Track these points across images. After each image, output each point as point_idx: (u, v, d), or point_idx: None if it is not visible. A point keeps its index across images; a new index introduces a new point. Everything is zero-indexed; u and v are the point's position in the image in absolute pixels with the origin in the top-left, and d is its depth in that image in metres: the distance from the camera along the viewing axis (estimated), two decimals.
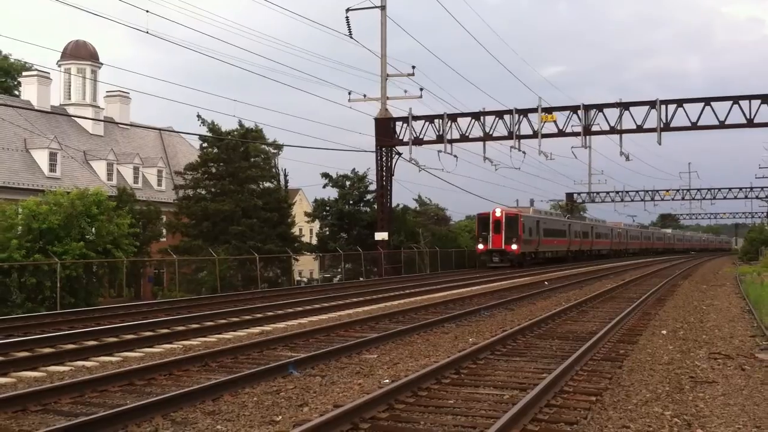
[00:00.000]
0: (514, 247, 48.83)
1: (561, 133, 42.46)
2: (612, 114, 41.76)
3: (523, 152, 44.75)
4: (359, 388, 10.02)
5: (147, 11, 25.57)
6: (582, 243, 69.33)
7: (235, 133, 42.56)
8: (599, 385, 10.26)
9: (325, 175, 50.31)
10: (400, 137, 44.91)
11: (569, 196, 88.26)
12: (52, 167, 43.23)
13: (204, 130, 42.55)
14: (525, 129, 42.80)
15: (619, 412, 8.83)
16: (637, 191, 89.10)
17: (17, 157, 42.27)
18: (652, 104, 40.69)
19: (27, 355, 12.47)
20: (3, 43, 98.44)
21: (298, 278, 49.75)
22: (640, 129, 41.15)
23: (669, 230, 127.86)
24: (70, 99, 51.96)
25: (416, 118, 44.36)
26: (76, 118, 49.94)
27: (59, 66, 51.01)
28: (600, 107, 42.25)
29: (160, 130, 55.37)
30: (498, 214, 49.37)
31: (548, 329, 16.56)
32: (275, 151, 45.56)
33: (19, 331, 14.83)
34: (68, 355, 12.59)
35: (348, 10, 43.07)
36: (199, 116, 42.15)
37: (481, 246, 50.08)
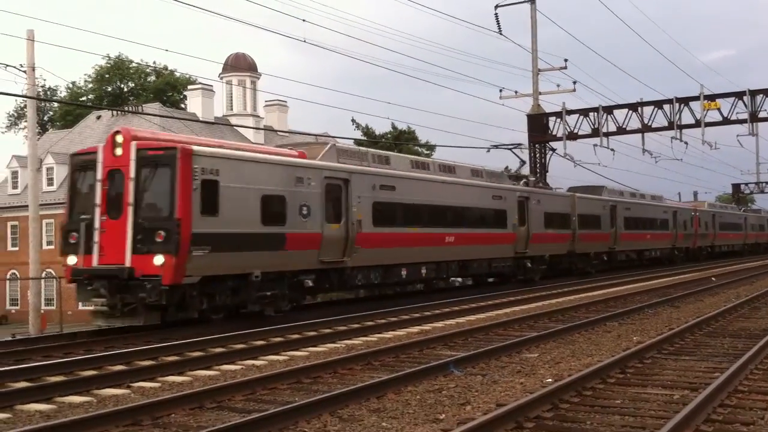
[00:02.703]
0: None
1: (726, 121, 40.34)
2: None
3: (685, 143, 42.81)
4: (521, 388, 9.93)
5: (303, 20, 26.38)
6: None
7: (389, 135, 43.25)
8: None
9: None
10: (554, 132, 44.06)
11: (736, 186, 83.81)
12: None
13: (358, 134, 43.49)
14: (686, 118, 40.94)
15: None
16: None
17: None
18: None
19: (201, 355, 13.13)
20: (169, 58, 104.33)
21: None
22: None
23: None
24: (232, 110, 54.38)
25: (570, 112, 43.40)
26: (238, 128, 52.21)
27: (221, 78, 53.48)
28: None
29: (316, 135, 56.88)
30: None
31: (718, 327, 15.83)
32: (428, 151, 45.92)
33: (192, 332, 15.63)
34: (238, 354, 13.18)
35: (497, 6, 42.77)
36: (353, 120, 43.14)
37: None
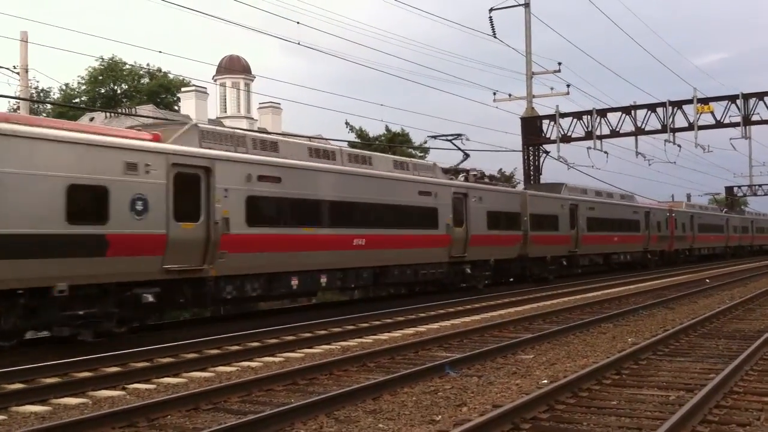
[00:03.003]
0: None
1: (719, 125, 40.47)
2: None
3: (678, 145, 42.97)
4: (517, 389, 9.95)
5: (298, 23, 26.30)
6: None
7: (383, 138, 43.23)
8: None
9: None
10: (547, 135, 44.14)
11: (729, 189, 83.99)
12: None
13: (352, 137, 43.47)
14: (679, 121, 41.07)
15: None
16: None
17: None
18: None
19: (195, 356, 13.12)
20: (163, 60, 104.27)
21: None
22: None
23: None
24: (226, 112, 54.34)
25: (563, 115, 43.48)
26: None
27: (215, 80, 53.42)
28: (761, 95, 39.95)
29: (310, 137, 56.91)
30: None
31: (713, 328, 15.88)
32: (421, 153, 45.93)
33: (186, 333, 15.59)
34: (233, 356, 13.16)
35: (491, 9, 42.81)
36: (347, 123, 43.11)
37: None
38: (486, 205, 25.83)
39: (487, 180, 29.43)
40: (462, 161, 27.86)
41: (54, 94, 59.92)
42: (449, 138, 27.92)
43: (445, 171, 25.78)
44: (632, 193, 44.00)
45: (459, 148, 27.92)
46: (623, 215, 39.28)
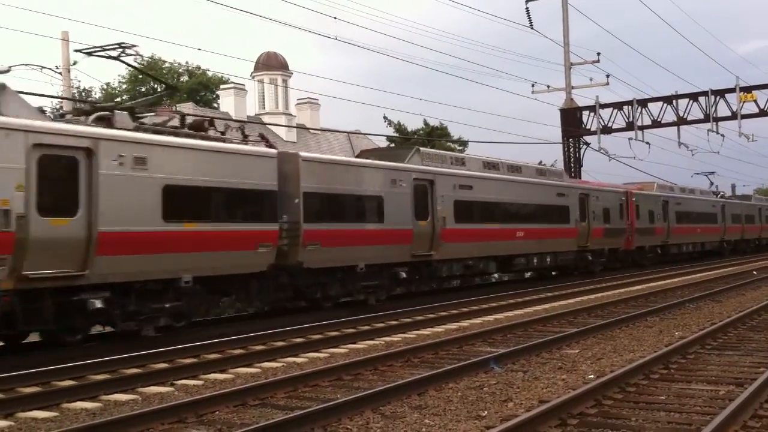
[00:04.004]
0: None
1: (762, 113, 39.80)
2: None
3: (722, 135, 42.30)
4: (563, 384, 9.88)
5: (335, 18, 26.51)
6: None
7: (421, 131, 43.16)
8: None
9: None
10: (588, 126, 43.71)
11: None
12: None
13: (390, 131, 43.46)
14: (722, 110, 40.47)
15: None
16: None
17: None
18: None
19: (242, 353, 13.23)
20: (201, 57, 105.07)
21: None
22: None
23: None
24: (264, 108, 54.54)
25: (603, 105, 43.02)
26: (270, 127, 52.42)
27: (253, 77, 53.68)
28: None
29: (348, 133, 57.08)
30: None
31: (762, 321, 15.62)
32: (460, 147, 45.80)
33: (233, 329, 15.74)
34: (279, 352, 13.24)
35: (527, 1, 42.48)
36: (385, 117, 43.11)
37: None
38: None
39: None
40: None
41: (95, 94, 60.77)
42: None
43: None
44: (561, 169, 32.75)
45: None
46: (531, 199, 26.59)
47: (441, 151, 26.13)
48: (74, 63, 26.20)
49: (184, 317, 15.02)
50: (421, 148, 22.99)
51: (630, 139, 42.26)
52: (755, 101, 39.76)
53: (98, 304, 13.05)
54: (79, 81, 63.41)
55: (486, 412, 8.50)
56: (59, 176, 12.65)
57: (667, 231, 38.06)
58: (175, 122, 16.39)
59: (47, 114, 14.83)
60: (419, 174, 20.78)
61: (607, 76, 43.15)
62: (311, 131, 54.86)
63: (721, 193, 49.76)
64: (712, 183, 50.96)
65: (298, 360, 12.60)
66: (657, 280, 28.37)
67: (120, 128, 13.83)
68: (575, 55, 44.12)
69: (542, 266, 28.38)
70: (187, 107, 47.57)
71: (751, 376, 9.87)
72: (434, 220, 21.08)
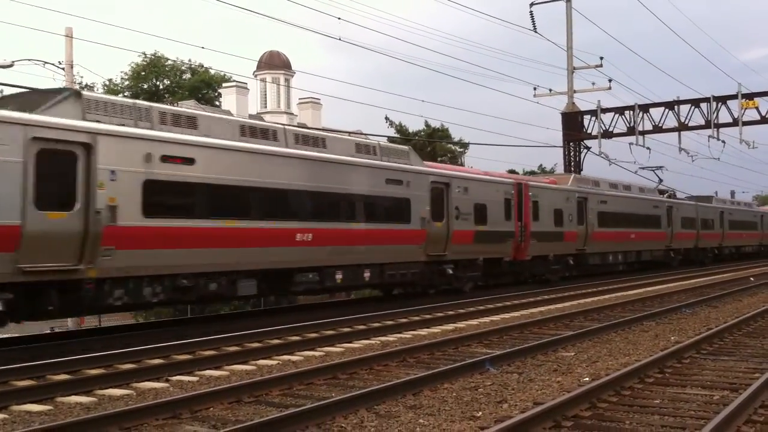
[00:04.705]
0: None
1: (764, 120, 39.86)
2: None
3: (723, 141, 42.33)
4: (558, 386, 9.89)
5: (339, 18, 26.61)
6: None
7: (422, 133, 43.16)
8: None
9: (512, 172, 50.02)
10: (589, 131, 43.76)
11: None
12: None
13: (392, 132, 43.48)
14: (724, 117, 40.51)
15: None
16: None
17: None
18: None
19: (237, 350, 13.24)
20: (204, 55, 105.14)
21: None
22: None
23: None
24: (266, 107, 54.64)
25: (605, 110, 43.07)
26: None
27: (255, 76, 53.75)
28: None
29: (349, 133, 57.07)
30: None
31: (758, 327, 15.63)
32: (461, 149, 45.83)
33: (229, 327, 15.75)
34: (274, 349, 13.25)
35: (532, 4, 42.55)
36: (387, 118, 43.11)
37: None
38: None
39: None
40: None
41: (98, 89, 60.79)
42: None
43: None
44: (406, 149, 22.51)
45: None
46: (358, 188, 19.36)
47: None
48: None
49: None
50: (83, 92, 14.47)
51: (631, 144, 42.32)
52: (757, 108, 39.83)
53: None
54: (82, 77, 63.38)
55: (480, 413, 8.50)
56: None
57: (584, 236, 30.00)
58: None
59: None
60: None
61: (610, 80, 43.26)
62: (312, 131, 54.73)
63: (670, 192, 42.13)
64: (660, 180, 42.72)
65: (294, 358, 12.60)
66: (651, 285, 28.32)
67: None
68: (578, 59, 44.26)
69: (355, 284, 20.50)
70: (189, 105, 47.63)
71: (746, 381, 9.87)
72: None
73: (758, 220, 54.88)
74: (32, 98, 13.89)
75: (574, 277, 29.50)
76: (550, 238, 27.82)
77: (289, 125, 22.00)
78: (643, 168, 42.40)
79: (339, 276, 18.65)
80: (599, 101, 43.29)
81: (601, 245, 31.79)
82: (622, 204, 33.94)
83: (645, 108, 42.53)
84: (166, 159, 14.42)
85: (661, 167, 43.18)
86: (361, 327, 16.27)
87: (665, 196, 40.51)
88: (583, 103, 44.81)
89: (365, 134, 55.07)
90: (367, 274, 19.49)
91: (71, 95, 13.81)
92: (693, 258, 42.90)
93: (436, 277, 22.37)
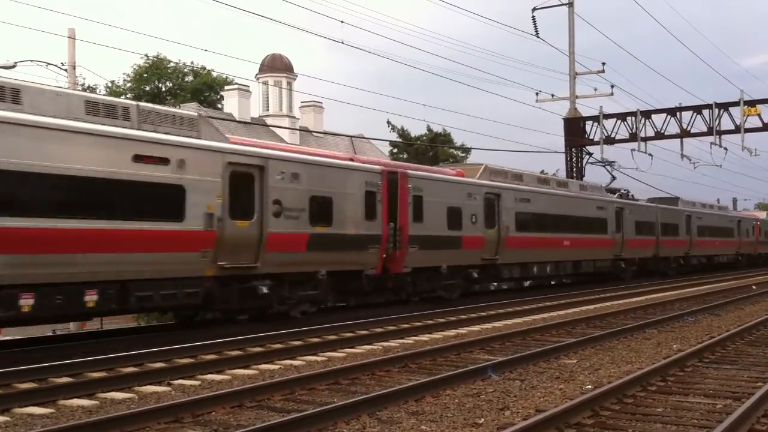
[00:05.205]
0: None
1: (766, 127, 39.86)
2: None
3: (725, 148, 42.31)
4: (561, 393, 9.88)
5: (342, 22, 26.66)
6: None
7: (424, 137, 43.18)
8: None
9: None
10: (591, 136, 43.75)
11: None
12: None
13: (394, 136, 43.50)
14: (726, 124, 40.52)
15: None
16: None
17: None
18: None
19: (239, 354, 13.22)
20: (206, 58, 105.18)
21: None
22: None
23: None
24: (268, 110, 54.61)
25: (607, 116, 43.08)
26: (274, 128, 52.47)
27: (257, 79, 53.76)
28: None
29: (351, 137, 57.13)
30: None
31: (760, 336, 15.61)
32: (463, 154, 45.83)
33: (231, 331, 15.72)
34: (276, 354, 13.24)
35: (534, 9, 42.57)
36: (389, 122, 43.19)
37: None
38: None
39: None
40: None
41: (100, 91, 60.87)
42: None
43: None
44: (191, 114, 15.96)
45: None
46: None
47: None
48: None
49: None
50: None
51: (633, 150, 42.31)
52: (759, 115, 39.82)
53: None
54: (84, 78, 63.48)
55: (482, 420, 8.49)
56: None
57: (495, 242, 23.86)
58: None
59: None
60: None
61: (612, 86, 43.30)
62: (314, 134, 54.85)
63: (622, 191, 36.30)
64: (613, 177, 38.01)
65: (296, 363, 12.59)
66: (653, 292, 28.24)
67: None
68: (580, 64, 44.25)
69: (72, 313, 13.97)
70: (192, 107, 47.69)
71: (749, 390, 9.86)
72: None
73: (735, 226, 48.61)
74: None
75: (482, 294, 24.77)
76: (441, 245, 21.45)
77: None
78: (592, 163, 38.29)
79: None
80: (601, 107, 43.34)
81: (520, 254, 25.29)
82: (552, 203, 27.38)
83: (647, 114, 42.56)
84: None
85: (612, 162, 38.82)
86: (364, 332, 16.26)
87: (616, 195, 34.59)
88: (586, 108, 44.87)
89: (367, 138, 55.07)
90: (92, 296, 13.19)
91: None
92: (652, 269, 37.48)
93: (236, 299, 16.15)
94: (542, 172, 31.32)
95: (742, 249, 48.99)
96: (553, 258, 27.69)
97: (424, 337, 15.76)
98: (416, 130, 45.68)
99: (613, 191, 34.96)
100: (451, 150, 44.79)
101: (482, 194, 23.52)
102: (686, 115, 41.31)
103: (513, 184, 25.50)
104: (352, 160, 19.88)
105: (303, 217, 17.11)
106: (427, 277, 21.39)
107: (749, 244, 51.04)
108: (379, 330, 16.61)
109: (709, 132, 40.82)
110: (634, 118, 42.42)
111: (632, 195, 37.47)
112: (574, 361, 12.49)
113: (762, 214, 59.32)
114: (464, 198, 22.65)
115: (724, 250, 46.86)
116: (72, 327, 24.68)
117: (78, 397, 9.76)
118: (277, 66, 54.40)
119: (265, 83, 54.01)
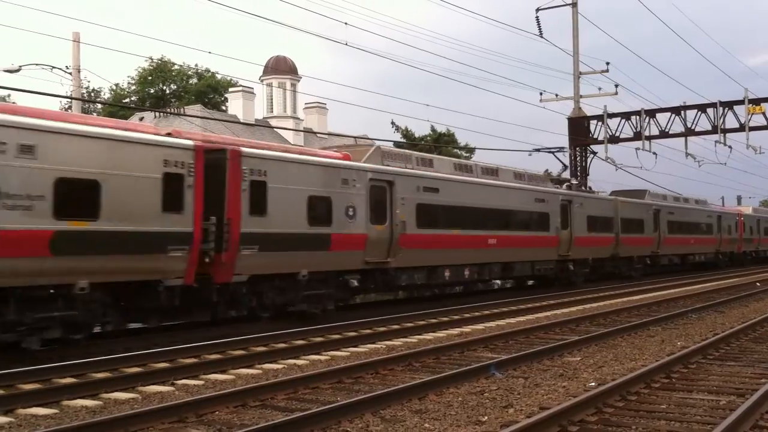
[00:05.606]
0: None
1: None
2: None
3: (729, 147, 42.23)
4: (564, 391, 9.86)
5: (346, 23, 26.68)
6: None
7: (428, 138, 43.17)
8: None
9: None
10: (595, 136, 43.65)
11: None
12: None
13: (398, 136, 43.49)
14: (730, 122, 40.40)
15: None
16: None
17: None
18: None
19: (243, 354, 13.24)
20: (210, 60, 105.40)
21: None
22: None
23: None
24: (272, 112, 54.70)
25: (611, 115, 42.98)
26: (278, 130, 52.53)
27: (261, 81, 53.82)
28: None
29: (355, 138, 57.06)
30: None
31: (764, 333, 15.58)
32: (467, 154, 45.79)
33: (235, 331, 15.74)
34: (280, 353, 13.26)
35: (538, 9, 42.48)
36: (393, 123, 43.11)
37: None
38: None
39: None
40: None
41: (104, 94, 60.96)
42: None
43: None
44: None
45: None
46: None
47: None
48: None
49: None
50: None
51: (637, 149, 42.23)
52: (763, 114, 39.70)
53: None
54: (89, 81, 63.60)
55: (486, 418, 8.49)
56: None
57: (386, 242, 19.19)
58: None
59: None
60: None
61: (616, 85, 43.12)
62: (318, 135, 54.84)
63: (571, 182, 31.97)
64: (565, 166, 33.09)
65: (299, 362, 12.60)
66: (657, 290, 28.14)
67: None
68: (584, 64, 44.13)
69: None
70: (196, 110, 47.77)
71: (753, 386, 9.84)
72: None
73: (714, 222, 43.95)
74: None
75: (360, 307, 20.76)
76: (298, 245, 16.73)
77: None
78: (537, 150, 32.72)
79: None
80: (605, 106, 43.21)
81: (423, 256, 20.70)
82: (472, 194, 22.77)
83: (651, 113, 42.46)
84: None
85: (562, 148, 33.80)
86: (367, 331, 16.26)
87: (563, 187, 29.91)
88: (590, 108, 44.77)
89: (371, 138, 55.05)
90: None
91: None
92: (611, 271, 32.83)
93: None
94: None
95: (722, 247, 44.65)
96: (474, 260, 22.89)
97: (428, 336, 15.76)
98: (420, 130, 45.71)
99: (561, 182, 30.21)
100: (455, 150, 44.74)
101: (365, 181, 18.59)
102: (691, 114, 41.21)
103: (414, 171, 20.60)
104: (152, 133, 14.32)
105: (42, 208, 11.90)
106: (278, 287, 16.49)
107: (731, 242, 46.40)
108: (382, 329, 16.61)
109: (714, 130, 40.71)
110: (638, 117, 42.32)
111: (589, 187, 34.21)
112: (578, 359, 12.48)
113: (747, 209, 53.74)
114: (336, 185, 17.69)
115: (701, 248, 42.33)
116: None
117: (81, 398, 9.78)
118: (281, 68, 54.47)
119: (270, 85, 54.10)
